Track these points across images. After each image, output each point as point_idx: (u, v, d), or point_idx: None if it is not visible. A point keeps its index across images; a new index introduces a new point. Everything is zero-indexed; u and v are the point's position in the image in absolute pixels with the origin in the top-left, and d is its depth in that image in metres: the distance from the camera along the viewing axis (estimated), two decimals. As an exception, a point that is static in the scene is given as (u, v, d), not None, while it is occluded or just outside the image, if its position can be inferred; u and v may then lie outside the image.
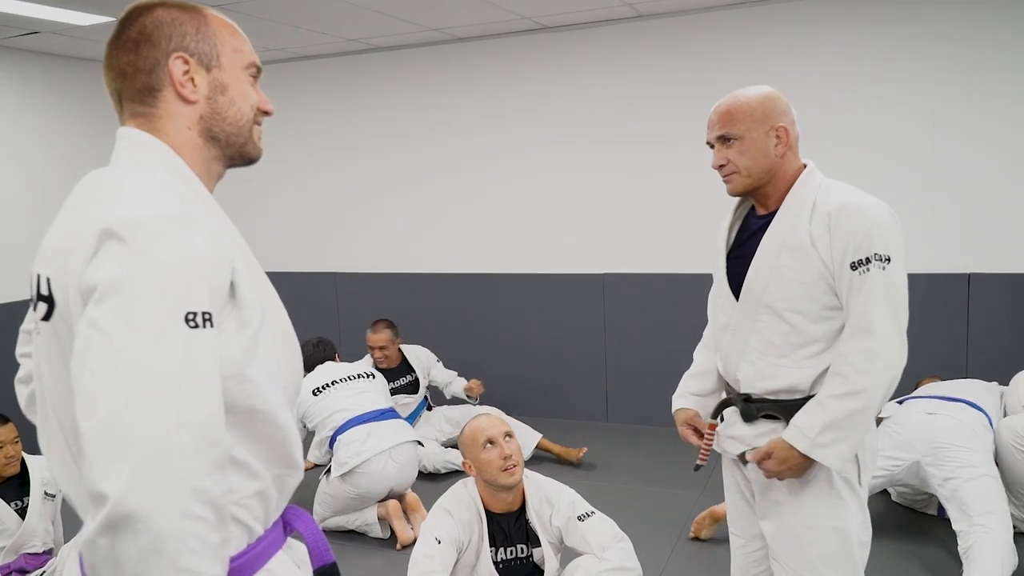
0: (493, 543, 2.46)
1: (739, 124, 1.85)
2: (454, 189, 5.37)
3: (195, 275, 0.98)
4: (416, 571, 2.32)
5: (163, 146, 1.14)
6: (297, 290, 5.68)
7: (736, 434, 1.97)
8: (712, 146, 1.91)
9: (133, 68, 1.15)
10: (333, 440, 3.66)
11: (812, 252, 1.79)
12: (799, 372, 1.84)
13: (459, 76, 5.25)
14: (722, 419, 2.02)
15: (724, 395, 2.05)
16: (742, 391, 1.94)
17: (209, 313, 0.97)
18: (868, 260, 1.74)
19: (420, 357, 4.70)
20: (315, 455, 4.02)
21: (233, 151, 1.21)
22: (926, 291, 4.27)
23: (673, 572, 3.10)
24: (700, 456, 2.05)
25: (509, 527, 2.49)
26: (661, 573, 3.08)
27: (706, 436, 2.03)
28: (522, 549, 2.48)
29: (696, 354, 2.18)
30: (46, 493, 3.05)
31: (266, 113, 1.25)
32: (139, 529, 0.87)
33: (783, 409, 1.87)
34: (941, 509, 3.38)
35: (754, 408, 1.92)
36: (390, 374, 4.51)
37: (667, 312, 4.81)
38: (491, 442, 2.43)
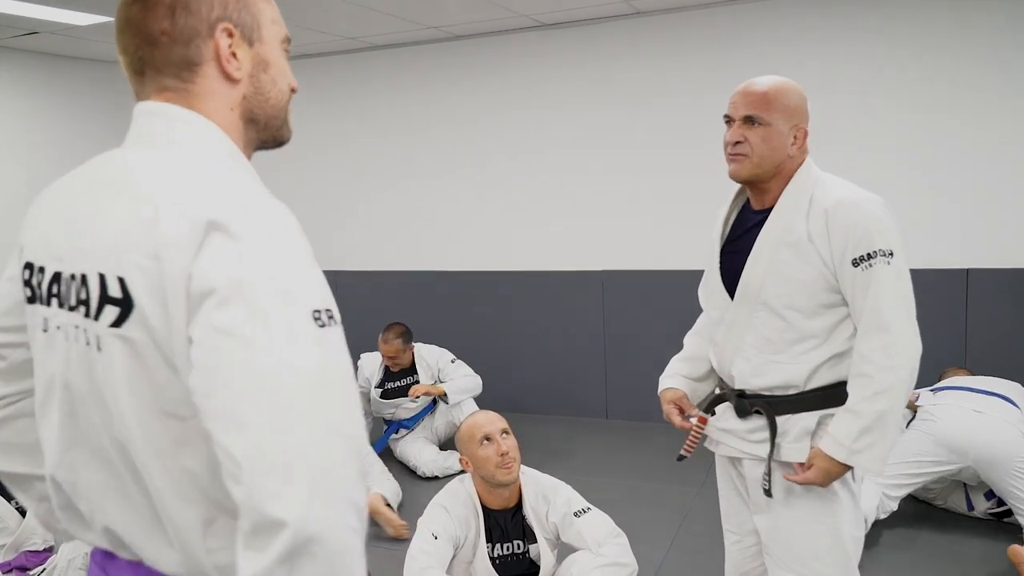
0: (490, 539, 2.46)
1: (773, 111, 1.82)
2: (454, 187, 5.38)
3: (310, 270, 0.90)
4: (413, 566, 2.33)
5: (215, 127, 1.00)
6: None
7: (728, 427, 1.97)
8: (729, 121, 1.87)
9: (168, 37, 0.99)
10: None
11: (810, 248, 1.79)
12: (794, 368, 1.84)
13: (459, 74, 5.26)
14: (712, 413, 2.02)
15: (717, 390, 2.05)
16: (736, 387, 1.94)
17: (331, 310, 0.89)
18: (871, 256, 1.74)
19: (429, 360, 4.60)
20: None
21: (268, 134, 1.08)
22: (925, 286, 4.28)
23: (670, 568, 3.11)
24: (685, 447, 2.05)
25: (506, 523, 2.49)
26: (658, 569, 3.09)
27: (695, 429, 2.02)
28: (518, 545, 2.49)
29: (687, 339, 2.17)
30: None
31: (292, 91, 1.12)
32: (316, 552, 0.79)
33: (776, 405, 1.86)
34: (968, 502, 3.39)
35: (748, 404, 1.91)
36: (393, 375, 4.53)
37: (666, 309, 4.81)
38: (488, 439, 2.44)
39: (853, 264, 1.75)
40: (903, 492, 3.23)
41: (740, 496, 2.05)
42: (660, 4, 4.54)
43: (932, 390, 3.45)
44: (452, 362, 4.59)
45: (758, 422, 1.90)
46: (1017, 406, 3.22)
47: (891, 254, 1.74)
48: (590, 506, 2.48)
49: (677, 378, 2.12)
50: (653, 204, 4.87)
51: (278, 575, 0.79)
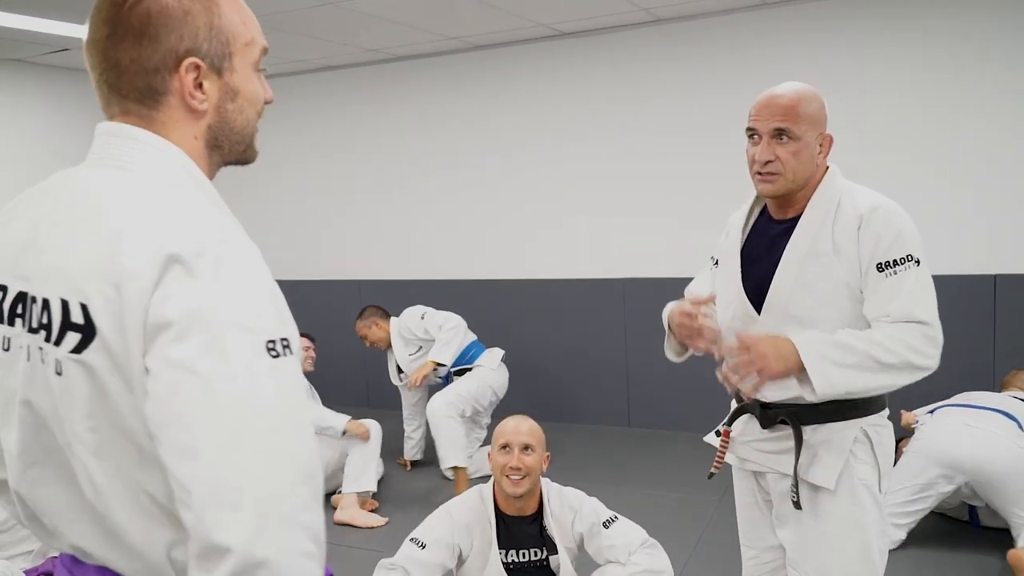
0: (503, 545, 2.46)
1: (802, 123, 1.76)
2: (475, 196, 5.41)
3: (266, 301, 0.90)
4: (380, 573, 2.36)
5: (177, 150, 1.01)
6: (322, 298, 5.76)
7: (751, 440, 1.92)
8: (753, 134, 1.80)
9: (134, 65, 0.98)
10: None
11: (834, 258, 1.76)
12: None
13: (478, 84, 5.29)
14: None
15: (734, 403, 2.00)
16: (760, 399, 1.86)
17: (286, 339, 0.89)
18: (901, 261, 1.72)
19: (403, 332, 4.46)
20: None
21: (233, 157, 1.09)
22: (952, 293, 4.22)
23: (692, 577, 3.09)
24: (715, 464, 1.99)
25: (521, 531, 2.48)
26: (679, 578, 3.07)
27: (720, 443, 1.97)
28: (535, 553, 2.47)
29: (688, 290, 2.17)
30: None
31: (267, 102, 1.12)
32: None
33: (801, 415, 1.81)
34: (973, 515, 3.32)
35: (772, 414, 1.86)
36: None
37: (688, 316, 4.78)
38: (507, 447, 2.45)
39: (878, 269, 1.72)
40: (909, 521, 3.13)
41: (761, 510, 2.00)
42: (677, 11, 4.54)
43: (931, 411, 3.37)
44: (422, 318, 4.40)
45: (782, 432, 1.85)
46: (1017, 420, 3.13)
47: (917, 261, 1.72)
48: (618, 515, 2.46)
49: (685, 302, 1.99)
50: (675, 212, 4.85)
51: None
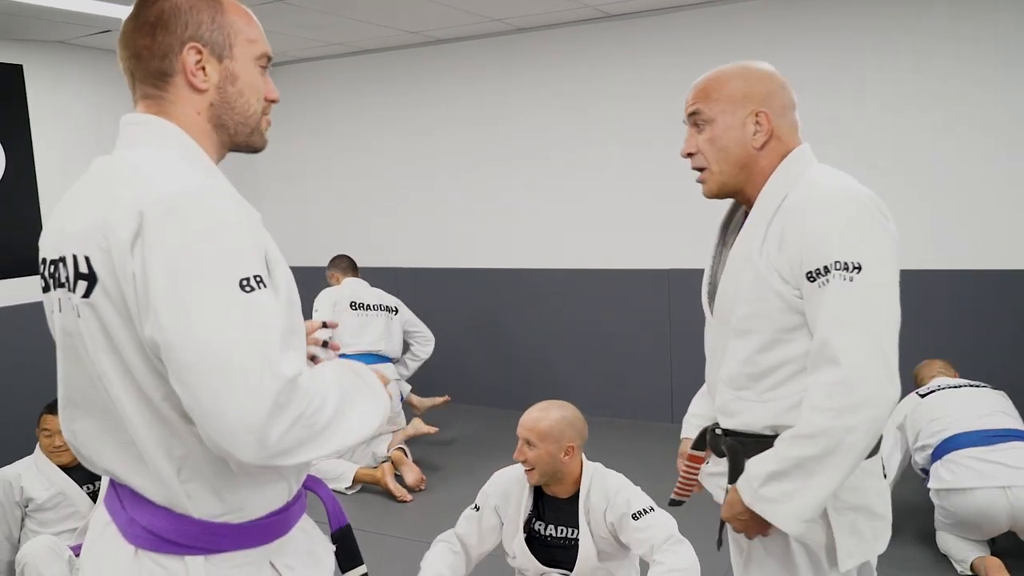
0: (542, 517, 2.51)
1: (715, 103, 1.54)
2: (517, 183, 5.28)
3: (236, 242, 1.06)
4: (439, 538, 2.57)
5: (174, 127, 1.19)
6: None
7: (714, 471, 1.69)
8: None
9: (148, 52, 1.19)
10: None
11: (763, 261, 1.49)
12: (762, 408, 1.54)
13: (522, 67, 5.16)
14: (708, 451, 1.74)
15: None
16: (720, 423, 1.66)
17: (259, 275, 1.06)
18: (827, 270, 1.40)
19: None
20: None
21: (240, 139, 1.26)
22: (975, 289, 4.07)
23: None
24: (677, 490, 1.76)
25: (558, 508, 2.50)
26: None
27: (685, 468, 1.74)
28: (569, 531, 2.47)
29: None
30: None
31: (272, 101, 1.29)
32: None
33: (747, 447, 1.56)
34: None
35: (721, 442, 1.62)
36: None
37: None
38: (519, 438, 2.46)
39: (808, 279, 1.42)
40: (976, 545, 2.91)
41: (739, 547, 1.74)
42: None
43: (937, 454, 2.94)
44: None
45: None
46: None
47: (857, 268, 1.38)
48: (652, 507, 2.37)
49: (695, 424, 1.80)
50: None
51: (273, 421, 1.03)
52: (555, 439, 2.40)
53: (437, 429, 4.34)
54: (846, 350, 1.38)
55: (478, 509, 2.55)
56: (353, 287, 4.46)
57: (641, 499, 2.40)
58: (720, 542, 1.75)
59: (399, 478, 4.07)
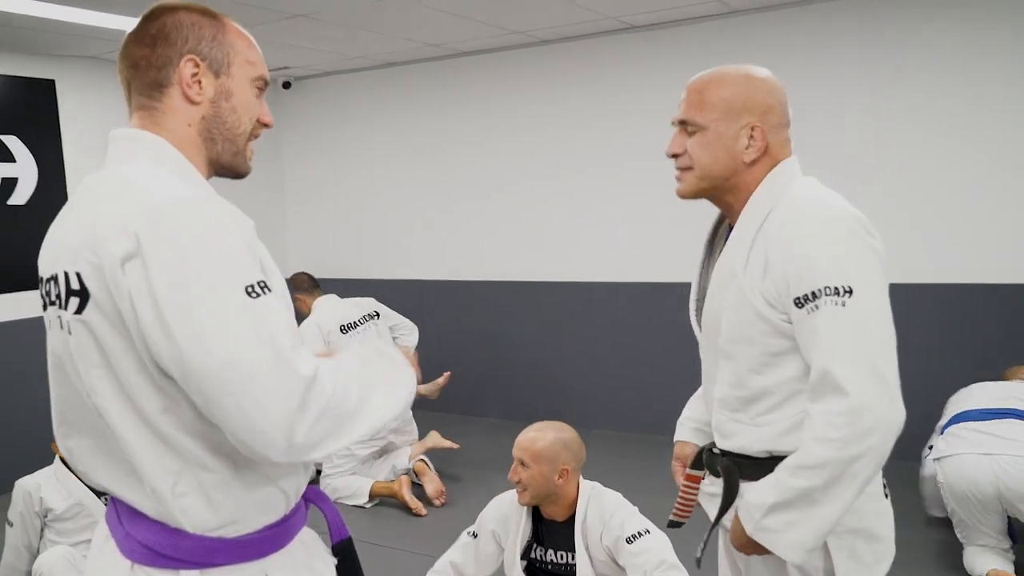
0: (541, 543, 2.48)
1: (707, 110, 1.49)
2: (539, 196, 5.26)
3: (234, 249, 1.08)
4: (433, 570, 2.57)
5: (162, 141, 1.21)
6: (381, 298, 5.68)
7: (710, 491, 1.66)
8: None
9: (146, 62, 1.21)
10: None
11: (746, 282, 1.44)
12: (756, 431, 1.51)
13: (544, 80, 5.14)
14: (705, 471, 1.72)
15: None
16: (716, 443, 1.63)
17: (263, 281, 1.08)
18: (816, 295, 1.35)
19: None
20: None
21: (225, 158, 1.27)
22: (960, 303, 4.06)
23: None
24: (675, 511, 1.73)
25: (556, 532, 2.46)
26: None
27: (684, 487, 1.71)
28: (568, 556, 2.44)
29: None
30: None
31: (265, 125, 1.31)
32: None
33: (743, 468, 1.54)
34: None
35: (718, 463, 1.60)
36: None
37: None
38: (514, 457, 2.44)
39: (796, 305, 1.38)
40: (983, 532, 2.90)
41: (736, 568, 1.74)
42: (756, 2, 4.29)
43: (942, 431, 3.05)
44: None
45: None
46: None
47: (848, 291, 1.33)
48: (648, 529, 2.33)
49: (688, 427, 1.80)
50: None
51: (297, 419, 1.05)
52: (549, 461, 2.37)
53: (459, 445, 4.26)
54: (848, 380, 1.33)
55: (475, 536, 2.53)
56: (332, 308, 4.32)
57: (636, 521, 2.36)
58: (699, 562, 1.68)
59: (419, 489, 4.04)
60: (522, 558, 2.45)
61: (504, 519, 2.51)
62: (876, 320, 1.37)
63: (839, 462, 1.34)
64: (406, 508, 3.94)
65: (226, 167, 1.28)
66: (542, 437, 2.41)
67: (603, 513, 2.39)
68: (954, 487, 2.84)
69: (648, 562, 2.25)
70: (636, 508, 2.42)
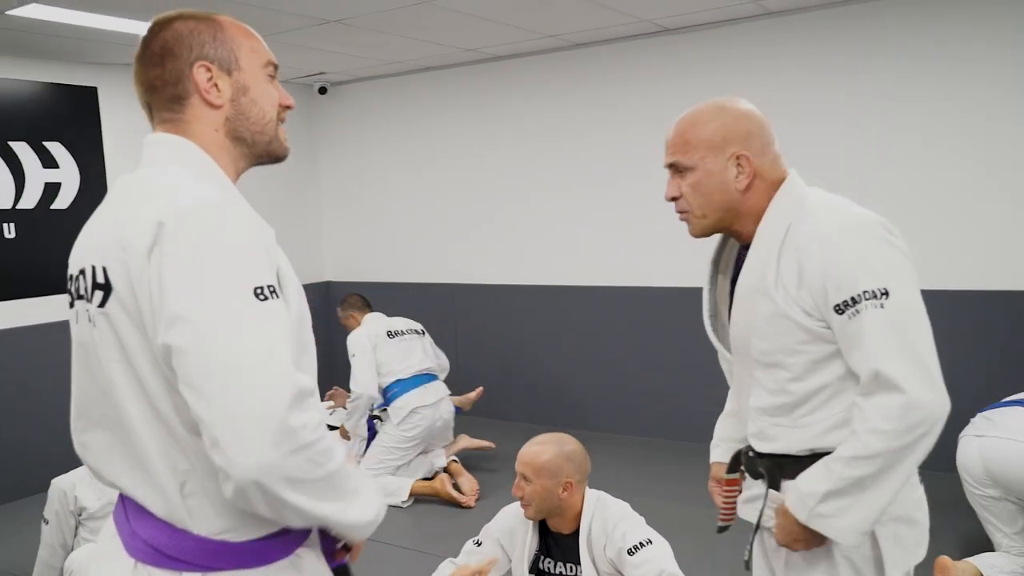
0: (550, 555, 2.47)
1: (694, 151, 1.56)
2: (573, 200, 5.22)
3: (249, 251, 1.10)
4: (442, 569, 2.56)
5: (191, 145, 1.23)
6: (414, 302, 5.72)
7: (749, 495, 1.72)
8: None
9: (161, 81, 1.25)
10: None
11: (781, 296, 1.50)
12: (799, 433, 1.56)
13: (577, 83, 5.11)
14: (743, 474, 1.76)
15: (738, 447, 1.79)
16: (753, 447, 1.69)
17: (272, 284, 1.09)
18: (855, 300, 1.42)
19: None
20: (349, 422, 4.25)
21: (260, 149, 1.30)
22: (951, 310, 3.85)
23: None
24: (721, 516, 1.78)
25: (563, 544, 2.45)
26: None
27: (724, 492, 1.77)
28: (573, 568, 2.42)
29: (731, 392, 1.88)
30: None
31: (287, 107, 1.32)
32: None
33: (784, 467, 1.60)
34: None
35: (759, 464, 1.65)
36: None
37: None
38: (516, 472, 2.42)
39: (836, 312, 1.45)
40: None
41: (770, 570, 1.76)
42: (792, 3, 4.21)
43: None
44: (353, 356, 4.22)
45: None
46: None
47: (885, 293, 1.41)
48: (650, 539, 2.31)
49: (722, 447, 1.85)
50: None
51: (283, 423, 1.03)
52: (552, 474, 2.34)
53: (494, 445, 4.44)
54: (903, 377, 1.40)
55: (479, 544, 2.53)
56: (380, 318, 4.45)
57: (638, 532, 2.33)
58: (748, 564, 1.74)
59: (455, 487, 4.15)
60: (530, 571, 2.44)
61: (511, 532, 2.50)
62: (914, 316, 1.45)
63: (892, 452, 1.42)
64: (450, 504, 4.05)
65: (263, 156, 1.31)
66: (544, 450, 2.39)
67: (607, 525, 2.36)
68: (960, 465, 2.97)
69: (649, 573, 2.23)
70: (642, 518, 2.40)
